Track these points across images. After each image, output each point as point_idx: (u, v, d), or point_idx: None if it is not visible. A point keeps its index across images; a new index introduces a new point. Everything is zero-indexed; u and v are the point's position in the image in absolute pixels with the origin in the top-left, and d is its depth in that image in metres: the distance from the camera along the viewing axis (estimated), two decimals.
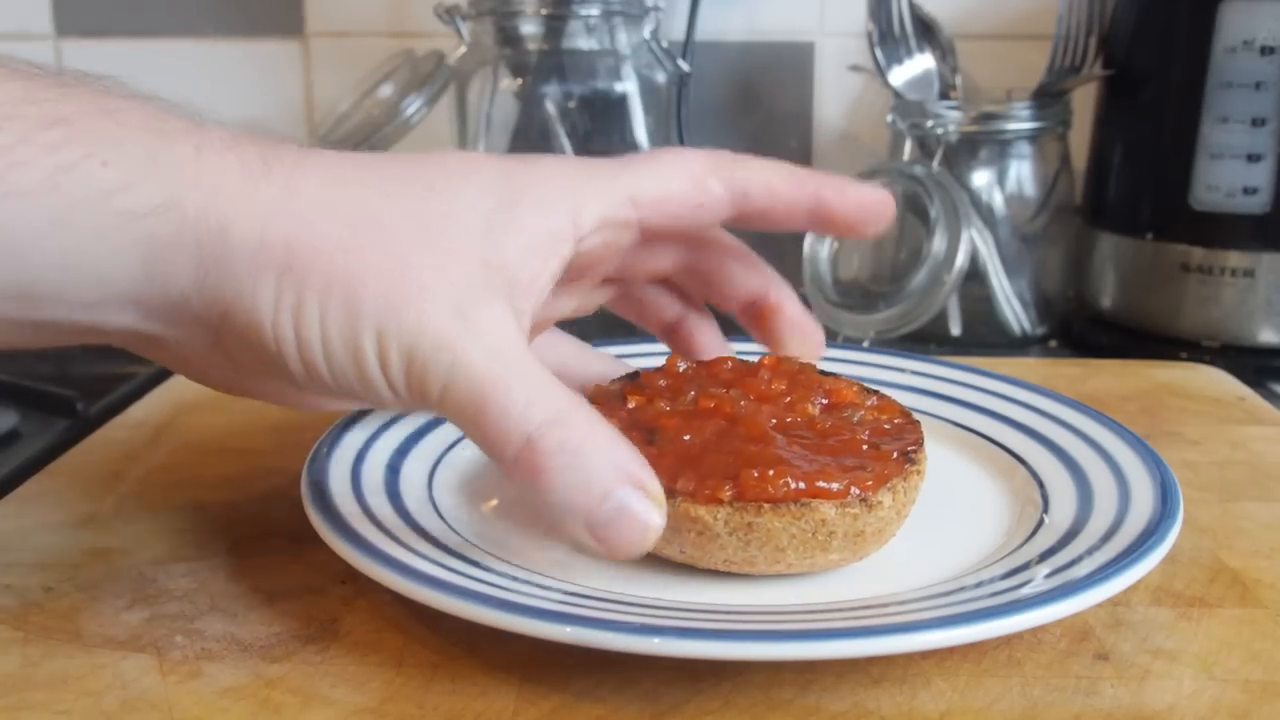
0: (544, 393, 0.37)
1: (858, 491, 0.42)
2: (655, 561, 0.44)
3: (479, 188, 0.40)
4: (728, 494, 0.41)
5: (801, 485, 0.41)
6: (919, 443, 0.46)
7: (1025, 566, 0.42)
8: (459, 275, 0.38)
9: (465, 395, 0.37)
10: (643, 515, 0.37)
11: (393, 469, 0.49)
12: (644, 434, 0.44)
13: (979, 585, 0.40)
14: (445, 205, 0.39)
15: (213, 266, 0.36)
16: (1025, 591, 0.38)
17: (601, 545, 0.37)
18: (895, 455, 0.44)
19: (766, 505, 0.41)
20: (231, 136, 0.38)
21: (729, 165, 0.44)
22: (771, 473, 0.41)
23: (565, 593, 0.40)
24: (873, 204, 0.45)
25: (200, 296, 0.36)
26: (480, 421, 0.37)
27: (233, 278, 0.36)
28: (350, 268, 0.36)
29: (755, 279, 0.49)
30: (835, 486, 0.41)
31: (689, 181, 0.43)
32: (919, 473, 0.45)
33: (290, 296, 0.36)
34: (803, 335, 0.50)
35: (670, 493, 0.42)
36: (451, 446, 0.53)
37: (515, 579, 0.40)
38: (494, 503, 0.49)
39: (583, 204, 0.41)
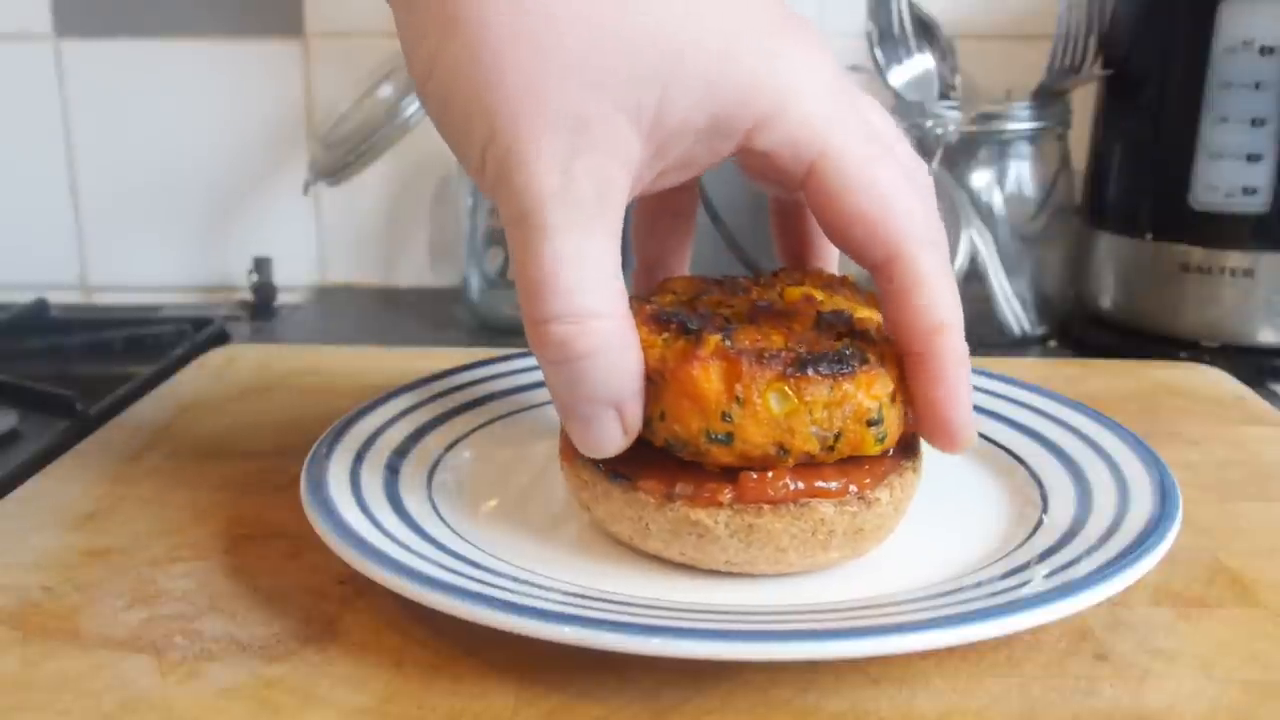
0: (587, 286, 0.38)
1: (855, 489, 0.42)
2: (655, 562, 0.44)
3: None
4: (727, 497, 0.41)
5: (800, 485, 0.41)
6: (915, 439, 0.46)
7: (1024, 566, 0.42)
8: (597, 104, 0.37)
9: (522, 242, 0.38)
10: (606, 437, 0.41)
11: (392, 469, 0.49)
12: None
13: (978, 585, 0.40)
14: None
15: None
16: (1024, 591, 0.38)
17: (564, 428, 0.42)
18: (892, 453, 0.44)
19: (766, 507, 0.41)
20: None
21: (919, 247, 0.40)
22: (770, 474, 0.41)
23: (565, 593, 0.40)
24: (949, 427, 0.41)
25: None
26: (523, 269, 0.38)
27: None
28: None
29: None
30: (833, 485, 0.41)
31: (872, 203, 0.40)
32: (915, 469, 0.45)
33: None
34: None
35: (670, 496, 0.42)
36: (451, 446, 0.53)
37: (515, 579, 0.40)
38: (494, 503, 0.49)
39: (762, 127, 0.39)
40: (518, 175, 0.37)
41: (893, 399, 0.42)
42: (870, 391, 0.41)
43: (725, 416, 0.40)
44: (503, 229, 0.88)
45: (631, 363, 0.40)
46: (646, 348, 0.41)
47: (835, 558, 0.43)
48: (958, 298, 0.41)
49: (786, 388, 0.40)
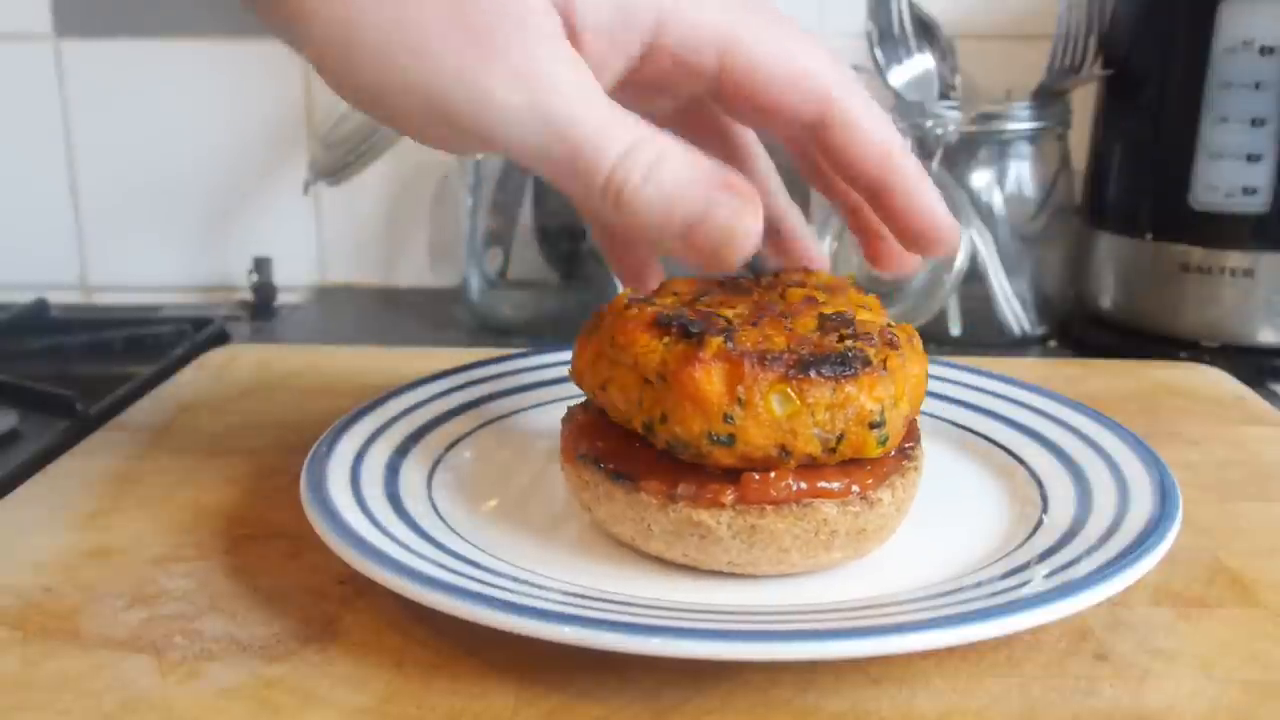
0: (617, 123, 0.38)
1: (858, 490, 0.42)
2: (655, 562, 0.44)
3: None
4: (730, 497, 0.41)
5: (803, 486, 0.41)
6: (916, 439, 0.46)
7: (1024, 566, 0.42)
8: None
9: (546, 147, 0.37)
10: (738, 213, 0.38)
11: (392, 469, 0.49)
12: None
13: (978, 585, 0.40)
14: None
15: None
16: (1024, 591, 0.38)
17: (700, 255, 0.38)
18: (893, 453, 0.44)
19: (769, 508, 0.41)
20: None
21: (847, 90, 0.42)
22: (773, 475, 0.41)
23: (565, 593, 0.40)
24: (941, 227, 0.44)
25: None
26: (560, 161, 0.38)
27: None
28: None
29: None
30: (836, 486, 0.41)
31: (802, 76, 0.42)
32: (916, 469, 0.45)
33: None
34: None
35: (672, 497, 0.42)
36: (451, 446, 0.53)
37: (515, 579, 0.40)
38: (494, 503, 0.49)
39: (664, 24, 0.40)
40: (487, 113, 0.37)
41: (895, 401, 0.42)
42: (873, 394, 0.41)
43: (727, 418, 0.40)
44: (502, 228, 0.89)
45: (697, 152, 0.39)
46: (647, 352, 0.41)
47: (838, 558, 0.43)
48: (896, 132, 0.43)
49: (789, 389, 0.40)
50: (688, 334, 0.41)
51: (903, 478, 0.43)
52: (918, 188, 0.43)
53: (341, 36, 0.37)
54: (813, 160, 0.47)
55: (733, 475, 0.41)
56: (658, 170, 0.38)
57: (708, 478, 0.41)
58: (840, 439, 0.41)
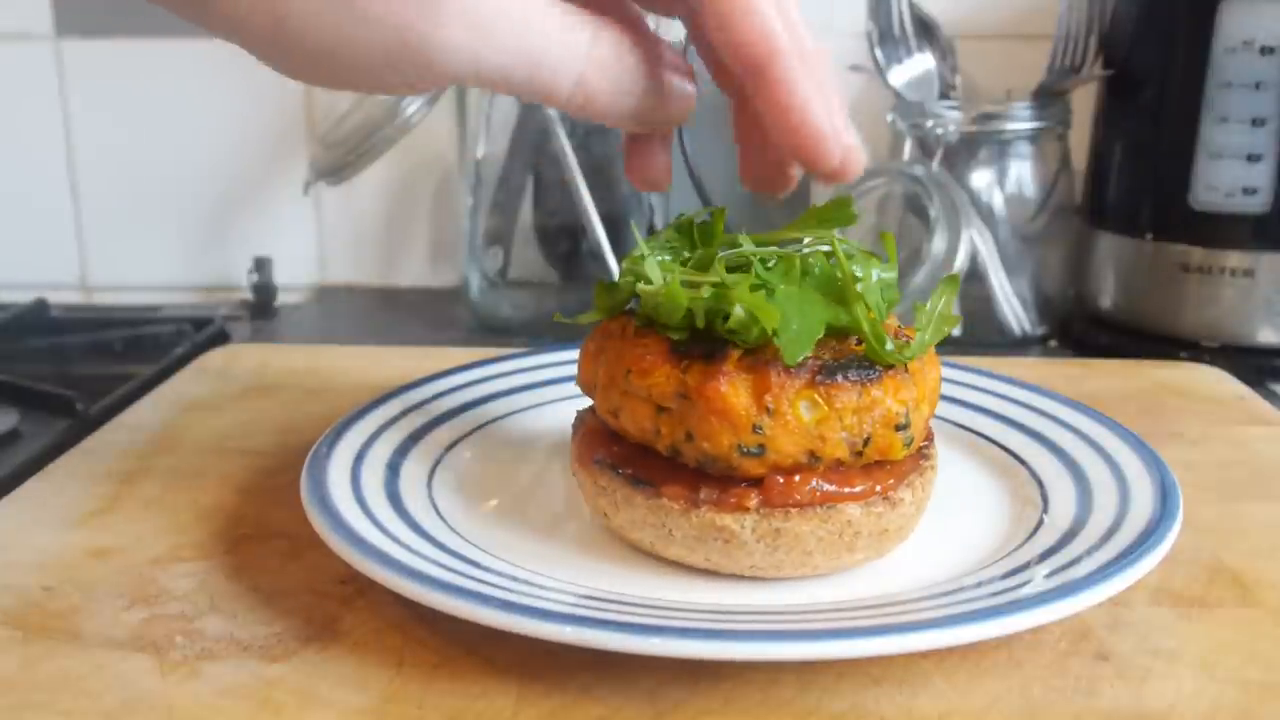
0: (566, 29, 0.39)
1: (880, 490, 0.42)
2: (655, 561, 0.44)
3: None
4: (754, 501, 0.41)
5: (827, 488, 0.41)
6: (930, 439, 0.46)
7: (1025, 566, 0.42)
8: None
9: (495, 74, 0.38)
10: (688, 91, 0.42)
11: (393, 469, 0.49)
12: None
13: (979, 585, 0.40)
14: None
15: None
16: (1025, 591, 0.38)
17: (656, 126, 0.42)
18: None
19: (793, 510, 0.41)
20: None
21: None
22: (797, 478, 0.41)
23: (565, 593, 0.40)
24: (810, 138, 0.39)
25: None
26: (520, 89, 0.39)
27: None
28: None
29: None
30: (859, 488, 0.41)
31: None
32: (933, 467, 0.45)
33: None
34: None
35: (694, 502, 0.42)
36: (451, 446, 0.53)
37: (515, 579, 0.40)
38: (494, 503, 0.49)
39: None
40: (438, 57, 0.37)
41: (918, 403, 0.42)
42: (898, 396, 0.41)
43: (756, 428, 0.40)
44: (502, 228, 0.89)
45: (632, 40, 0.40)
46: (663, 379, 0.41)
47: (860, 559, 0.43)
48: (793, 27, 0.39)
49: (816, 395, 0.40)
50: (706, 355, 0.41)
51: (921, 477, 0.44)
52: (791, 77, 0.39)
53: (274, 20, 0.37)
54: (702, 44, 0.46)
55: (754, 480, 0.41)
56: (611, 72, 0.39)
57: (730, 481, 0.41)
58: (867, 442, 0.41)
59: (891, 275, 0.43)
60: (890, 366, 0.41)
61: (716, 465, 0.41)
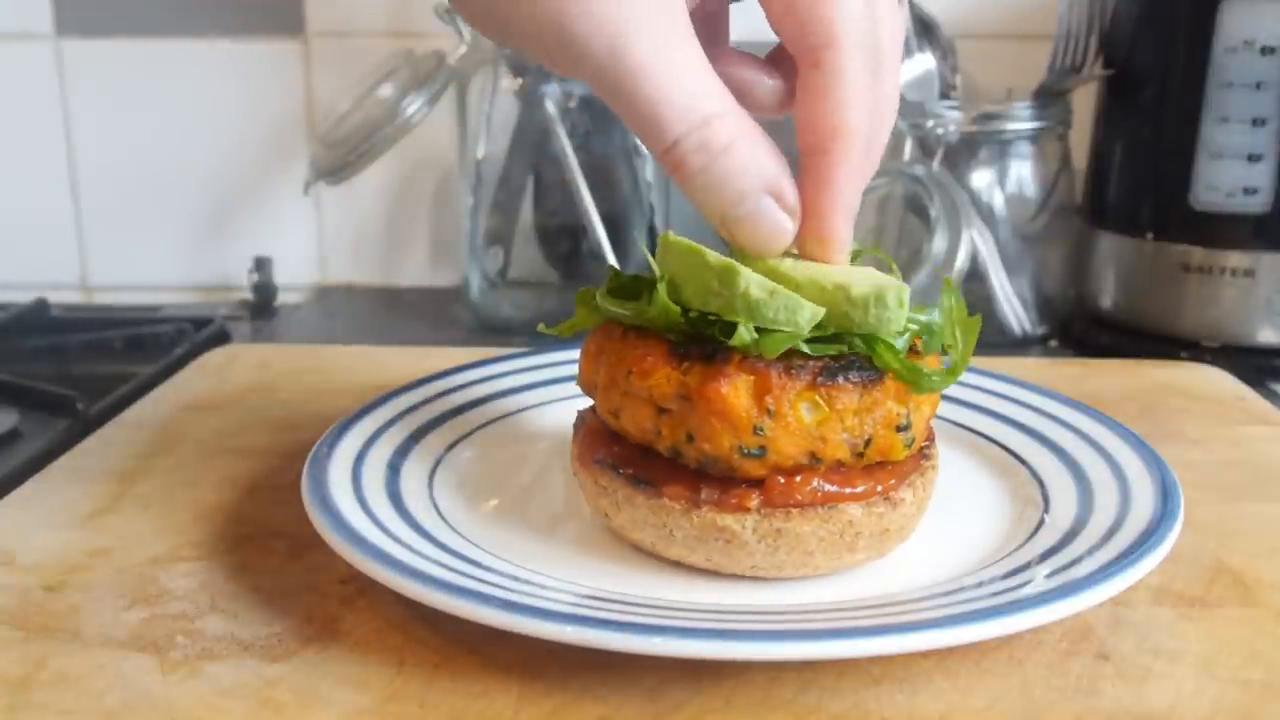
0: (699, 91, 0.38)
1: (881, 490, 0.42)
2: (655, 561, 0.44)
3: None
4: (755, 501, 0.41)
5: (828, 488, 0.41)
6: (931, 439, 0.46)
7: (1026, 566, 0.42)
8: None
9: (621, 88, 0.38)
10: (775, 223, 0.40)
11: (393, 469, 0.49)
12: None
13: (979, 585, 0.40)
14: None
15: None
16: (1026, 591, 0.38)
17: (734, 241, 0.40)
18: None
19: (794, 510, 0.41)
20: None
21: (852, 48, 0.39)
22: (798, 478, 0.41)
23: (565, 592, 0.40)
24: (822, 237, 0.41)
25: None
26: (634, 109, 0.38)
27: None
28: None
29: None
30: (861, 488, 0.41)
31: None
32: (934, 467, 0.45)
33: None
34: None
35: (694, 502, 0.42)
36: (452, 446, 0.53)
37: (515, 579, 0.40)
38: (494, 503, 0.49)
39: None
40: (578, 32, 0.37)
41: (919, 404, 0.42)
42: (899, 397, 0.41)
43: (757, 430, 0.40)
44: (502, 228, 0.89)
45: (767, 146, 0.39)
46: (663, 380, 0.41)
47: (861, 559, 0.43)
48: (877, 110, 0.41)
49: (817, 396, 0.40)
50: (706, 356, 0.41)
51: (922, 476, 0.44)
52: (835, 180, 0.40)
53: None
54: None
55: (756, 480, 0.41)
56: (716, 162, 0.38)
57: (731, 482, 0.41)
58: (869, 443, 0.41)
59: (930, 320, 0.43)
60: (893, 369, 0.41)
61: (717, 466, 0.41)
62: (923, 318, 0.43)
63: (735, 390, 0.40)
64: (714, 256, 0.41)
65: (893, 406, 0.41)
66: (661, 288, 0.41)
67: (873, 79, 0.40)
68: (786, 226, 0.40)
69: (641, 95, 0.37)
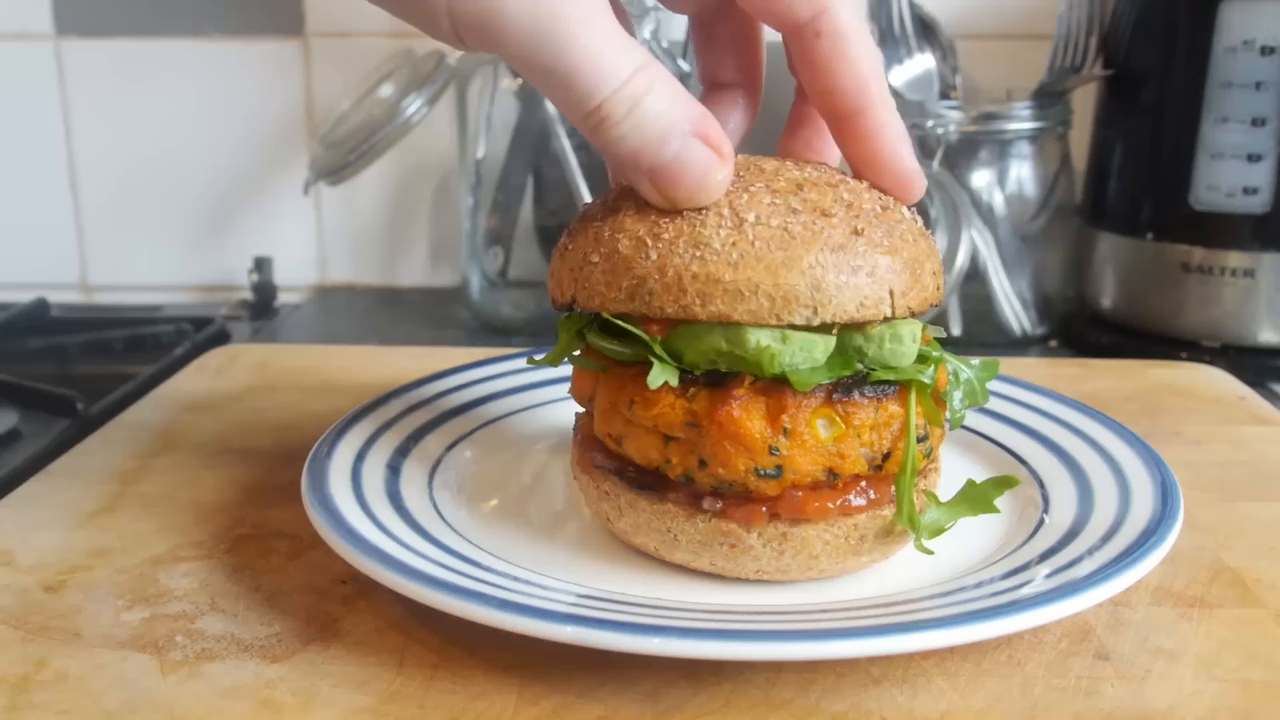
0: (618, 52, 0.38)
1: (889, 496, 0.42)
2: (655, 562, 0.44)
3: None
4: (764, 514, 0.41)
5: (842, 500, 0.41)
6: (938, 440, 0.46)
7: (1026, 566, 0.42)
8: None
9: (541, 60, 0.38)
10: (705, 166, 0.39)
11: (393, 469, 0.49)
12: None
13: (979, 585, 0.40)
14: None
15: None
16: (1026, 591, 0.38)
17: (661, 194, 0.39)
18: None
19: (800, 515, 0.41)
20: None
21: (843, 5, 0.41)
22: (811, 493, 0.41)
23: (565, 593, 0.40)
24: (908, 175, 0.43)
25: None
26: (554, 78, 0.38)
27: None
28: None
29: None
30: (874, 495, 0.41)
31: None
32: (937, 469, 0.45)
33: None
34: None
35: (699, 507, 0.41)
36: (451, 446, 0.53)
37: (515, 579, 0.40)
38: (494, 503, 0.49)
39: None
40: (500, 6, 0.37)
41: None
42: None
43: (773, 450, 0.39)
44: (502, 228, 0.89)
45: (688, 95, 0.39)
46: (669, 409, 0.40)
47: (866, 561, 0.43)
48: (877, 52, 0.42)
49: (834, 413, 0.40)
50: (712, 383, 0.40)
51: (924, 478, 0.43)
52: (896, 122, 0.42)
53: None
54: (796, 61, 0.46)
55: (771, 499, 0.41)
56: (638, 108, 0.38)
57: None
58: (887, 456, 0.41)
59: (976, 375, 0.44)
60: (909, 380, 0.41)
61: (732, 489, 0.40)
62: (962, 373, 0.44)
63: (748, 413, 0.39)
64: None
65: (910, 418, 0.41)
66: (659, 356, 0.40)
67: (864, 25, 0.42)
68: (715, 165, 0.39)
69: (569, 63, 0.38)
